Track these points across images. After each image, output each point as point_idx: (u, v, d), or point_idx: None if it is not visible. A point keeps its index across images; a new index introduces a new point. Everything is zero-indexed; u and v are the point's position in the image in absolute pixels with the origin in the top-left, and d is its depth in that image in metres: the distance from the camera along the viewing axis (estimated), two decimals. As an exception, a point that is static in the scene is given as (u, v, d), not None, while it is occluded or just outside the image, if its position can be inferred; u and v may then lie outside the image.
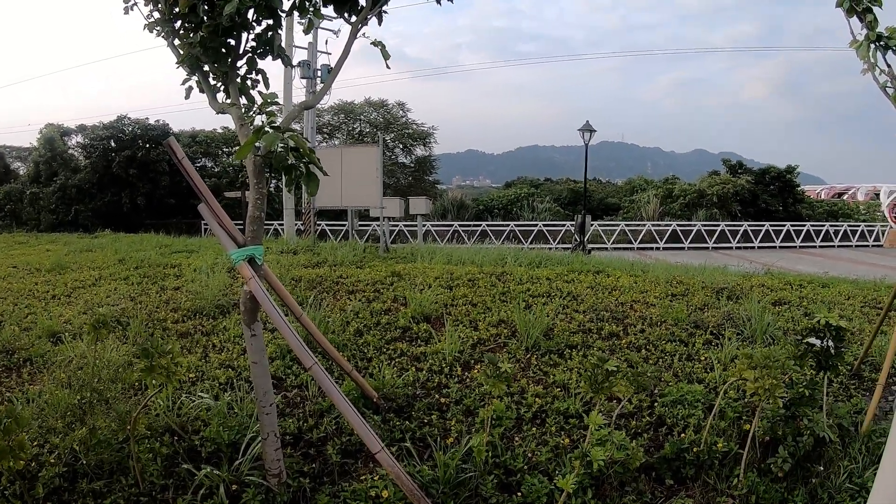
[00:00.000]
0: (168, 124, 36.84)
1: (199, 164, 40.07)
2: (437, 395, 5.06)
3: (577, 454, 3.58)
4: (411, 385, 5.22)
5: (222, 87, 3.82)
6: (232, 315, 7.28)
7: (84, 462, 3.98)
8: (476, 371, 5.52)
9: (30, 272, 12.00)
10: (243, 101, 3.77)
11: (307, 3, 3.76)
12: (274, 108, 3.51)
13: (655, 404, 4.83)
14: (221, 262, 11.24)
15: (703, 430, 4.24)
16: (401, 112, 48.00)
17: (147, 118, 36.43)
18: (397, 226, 32.00)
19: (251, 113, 3.70)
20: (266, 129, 3.25)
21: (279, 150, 3.20)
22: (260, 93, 3.78)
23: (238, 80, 3.76)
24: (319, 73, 21.73)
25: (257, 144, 3.32)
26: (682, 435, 4.32)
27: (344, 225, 29.87)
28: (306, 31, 4.32)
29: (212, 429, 4.27)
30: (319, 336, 4.54)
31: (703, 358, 5.83)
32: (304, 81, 21.78)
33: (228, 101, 3.77)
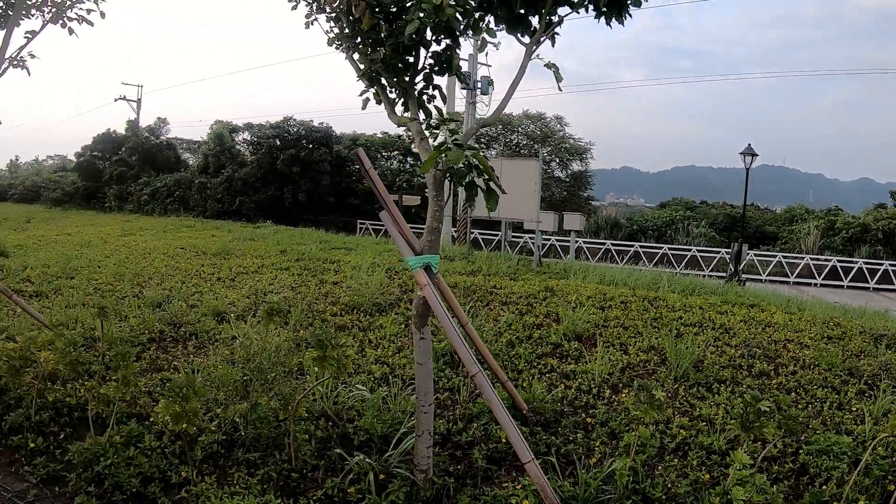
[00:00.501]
0: (331, 127, 38.13)
1: (357, 167, 40.94)
2: (583, 415, 5.09)
3: (719, 491, 3.54)
4: (560, 401, 5.28)
5: (400, 101, 4.03)
6: (388, 314, 7.62)
7: (242, 434, 4.36)
8: (624, 395, 5.49)
9: (196, 254, 13.13)
10: (420, 115, 3.96)
11: (480, 24, 3.90)
12: (453, 124, 3.69)
13: (800, 451, 4.60)
14: (379, 261, 11.77)
15: (846, 485, 4.00)
16: (558, 126, 47.36)
17: (311, 120, 37.84)
18: (549, 240, 31.81)
19: (430, 128, 3.89)
20: (449, 145, 3.43)
21: (461, 166, 3.36)
22: (436, 108, 3.98)
23: (415, 94, 3.95)
24: (479, 85, 22.05)
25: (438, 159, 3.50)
26: (824, 487, 4.11)
27: (495, 235, 30.07)
28: (480, 50, 4.46)
29: (366, 419, 4.54)
30: (480, 344, 4.69)
31: (854, 408, 5.46)
32: (464, 92, 22.19)
33: (407, 114, 3.98)
